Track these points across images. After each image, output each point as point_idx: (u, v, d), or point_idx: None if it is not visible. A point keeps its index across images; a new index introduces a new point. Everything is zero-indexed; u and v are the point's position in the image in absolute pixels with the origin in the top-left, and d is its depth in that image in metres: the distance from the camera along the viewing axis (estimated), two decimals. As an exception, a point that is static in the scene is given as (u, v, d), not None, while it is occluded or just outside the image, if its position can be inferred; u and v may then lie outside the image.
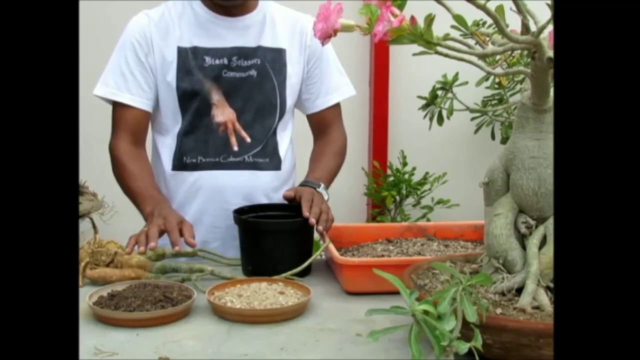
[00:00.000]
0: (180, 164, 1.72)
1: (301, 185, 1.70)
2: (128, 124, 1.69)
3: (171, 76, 1.67)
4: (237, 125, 1.70)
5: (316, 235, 1.60)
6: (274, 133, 1.75)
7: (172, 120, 1.71)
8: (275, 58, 1.72)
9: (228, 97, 1.69)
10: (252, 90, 1.70)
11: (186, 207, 1.72)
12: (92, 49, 2.39)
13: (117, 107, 1.70)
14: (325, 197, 1.66)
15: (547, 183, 1.11)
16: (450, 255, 1.41)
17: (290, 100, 1.76)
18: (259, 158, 1.73)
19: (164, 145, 1.74)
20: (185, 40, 1.68)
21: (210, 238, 1.72)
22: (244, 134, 1.71)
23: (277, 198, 1.75)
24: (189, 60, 1.67)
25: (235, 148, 1.70)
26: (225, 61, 1.68)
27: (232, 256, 1.63)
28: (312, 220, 1.50)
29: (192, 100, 1.68)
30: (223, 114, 1.69)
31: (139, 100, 1.68)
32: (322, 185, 1.68)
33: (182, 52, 1.67)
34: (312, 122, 1.85)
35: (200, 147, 1.71)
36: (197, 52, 1.67)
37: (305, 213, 1.51)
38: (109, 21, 2.63)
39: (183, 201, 1.73)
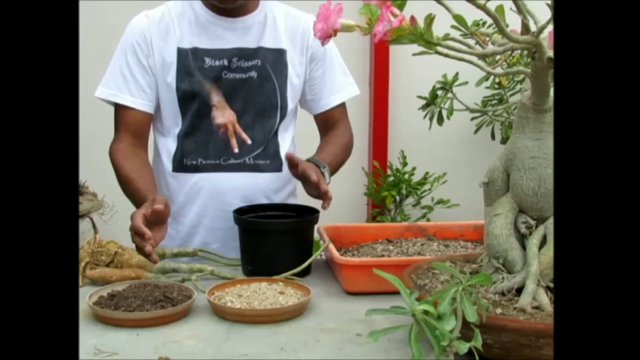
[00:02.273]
0: (180, 166, 1.72)
1: (307, 160, 1.64)
2: (129, 125, 1.68)
3: (171, 77, 1.67)
4: (238, 127, 1.69)
5: (316, 235, 1.60)
6: (276, 134, 1.75)
7: (172, 122, 1.71)
8: (276, 59, 1.71)
9: (228, 98, 1.69)
10: (252, 92, 1.70)
11: (187, 209, 1.72)
12: (92, 50, 2.39)
13: (119, 109, 1.69)
14: (327, 181, 1.61)
15: (547, 183, 1.11)
16: (450, 255, 1.41)
17: (291, 101, 1.75)
18: (260, 160, 1.73)
19: (165, 146, 1.74)
20: (185, 41, 1.67)
21: (210, 239, 1.72)
22: (244, 135, 1.69)
23: (277, 199, 1.75)
24: (189, 61, 1.66)
25: (236, 150, 1.69)
26: (225, 62, 1.68)
27: (232, 257, 1.63)
28: (328, 200, 1.49)
29: (191, 102, 1.67)
30: (223, 115, 1.68)
31: (141, 102, 1.68)
32: (327, 168, 1.63)
33: (182, 53, 1.67)
34: (319, 121, 1.84)
35: (201, 149, 1.70)
36: (197, 53, 1.67)
37: (324, 187, 1.50)
38: (109, 21, 2.63)
39: (184, 202, 1.72)
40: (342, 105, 1.84)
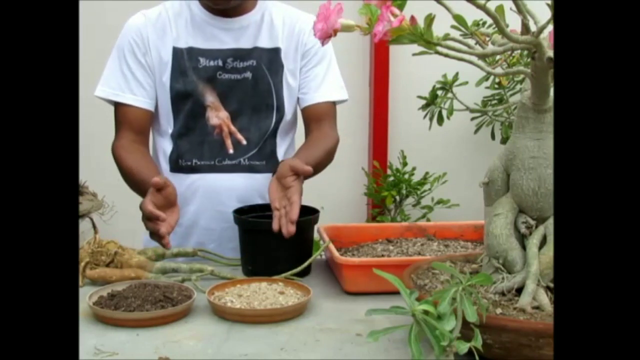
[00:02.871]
0: (176, 166, 1.72)
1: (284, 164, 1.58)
2: (131, 123, 1.68)
3: (166, 77, 1.66)
4: (232, 128, 1.68)
5: (316, 235, 1.60)
6: (273, 135, 1.74)
7: (167, 122, 1.71)
8: (271, 59, 1.70)
9: (223, 99, 1.68)
10: (247, 92, 1.69)
11: (184, 209, 1.71)
12: (92, 50, 2.39)
13: (120, 108, 1.69)
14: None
15: (547, 183, 1.11)
16: (450, 255, 1.41)
17: (289, 101, 1.74)
18: (255, 161, 1.72)
19: (162, 146, 1.74)
20: (181, 40, 1.67)
21: (206, 240, 1.72)
22: (239, 136, 1.68)
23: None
24: (184, 61, 1.66)
25: (231, 151, 1.68)
26: (220, 63, 1.67)
27: (229, 257, 1.62)
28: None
29: (184, 102, 1.67)
30: (218, 116, 1.68)
31: (142, 100, 1.68)
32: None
33: (177, 52, 1.66)
34: (304, 116, 1.79)
35: (196, 150, 1.70)
36: (192, 53, 1.66)
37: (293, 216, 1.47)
38: (109, 21, 2.63)
39: (181, 203, 1.71)
40: (330, 106, 1.77)
